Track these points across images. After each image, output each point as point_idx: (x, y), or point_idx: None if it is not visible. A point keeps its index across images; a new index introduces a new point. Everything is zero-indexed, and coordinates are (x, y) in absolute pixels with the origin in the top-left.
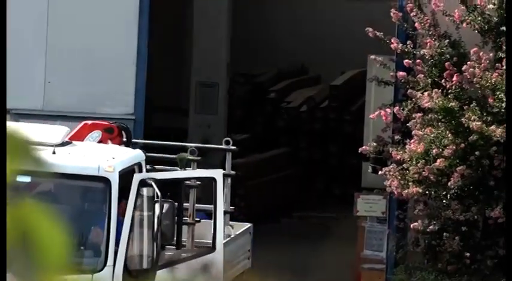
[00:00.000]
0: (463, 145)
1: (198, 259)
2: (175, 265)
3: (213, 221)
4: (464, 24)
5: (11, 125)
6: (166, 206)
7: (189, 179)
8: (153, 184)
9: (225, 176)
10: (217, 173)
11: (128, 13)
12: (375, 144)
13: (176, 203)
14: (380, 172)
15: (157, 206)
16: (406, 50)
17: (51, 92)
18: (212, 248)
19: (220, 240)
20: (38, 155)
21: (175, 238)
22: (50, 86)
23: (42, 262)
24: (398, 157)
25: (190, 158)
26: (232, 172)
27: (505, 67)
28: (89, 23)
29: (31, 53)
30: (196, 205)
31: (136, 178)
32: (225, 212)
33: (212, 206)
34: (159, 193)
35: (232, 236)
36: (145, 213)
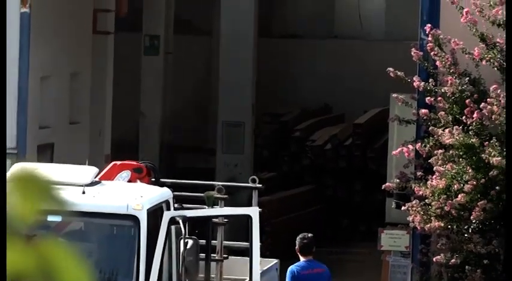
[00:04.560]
0: (483, 180)
1: None
2: None
3: (249, 257)
4: (483, 62)
5: (33, 167)
6: (190, 242)
7: (225, 216)
8: (180, 221)
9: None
10: (253, 211)
11: None
12: (397, 180)
13: (203, 241)
14: (403, 208)
15: (182, 243)
16: (428, 87)
17: None
18: None
19: (257, 276)
20: (60, 196)
21: (200, 275)
22: None
23: None
24: (421, 193)
25: (217, 196)
26: (259, 209)
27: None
28: None
29: None
30: (224, 242)
31: (167, 215)
32: None
33: (235, 243)
34: (183, 230)
35: (260, 272)
36: (173, 250)
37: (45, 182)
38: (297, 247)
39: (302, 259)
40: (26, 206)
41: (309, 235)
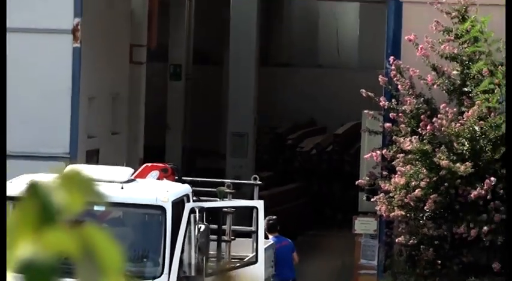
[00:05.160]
0: (435, 178)
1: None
2: (223, 273)
3: (255, 240)
4: (435, 86)
5: (81, 168)
6: (202, 227)
7: (235, 207)
8: (197, 211)
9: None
10: (259, 203)
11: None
12: (368, 178)
13: (215, 226)
14: (372, 200)
15: (196, 228)
16: (391, 106)
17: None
18: (255, 260)
19: (261, 255)
20: (100, 190)
21: (213, 252)
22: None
23: (103, 271)
24: (386, 188)
25: (227, 191)
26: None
27: (463, 118)
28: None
29: None
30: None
31: (188, 206)
32: None
33: (241, 227)
34: (197, 218)
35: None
36: (192, 234)
37: (88, 179)
38: (265, 227)
39: (270, 236)
40: (73, 198)
41: (273, 217)
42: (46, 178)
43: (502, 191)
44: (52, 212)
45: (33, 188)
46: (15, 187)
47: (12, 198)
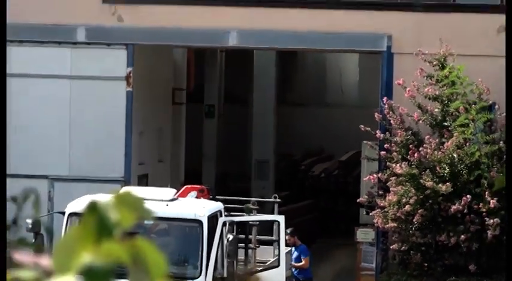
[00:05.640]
0: (421, 196)
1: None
2: (250, 275)
3: (277, 247)
4: (420, 121)
5: (133, 189)
6: (231, 237)
7: (260, 221)
8: (227, 223)
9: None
10: (280, 218)
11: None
12: (367, 197)
13: (243, 236)
14: (370, 214)
15: (227, 238)
16: (386, 137)
17: (74, 161)
18: (278, 264)
19: (283, 259)
20: (148, 207)
21: (241, 258)
22: (73, 156)
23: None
24: (382, 204)
25: (252, 207)
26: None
27: (444, 147)
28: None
29: (57, 130)
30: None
31: (220, 220)
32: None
33: (261, 237)
34: (228, 229)
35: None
36: (224, 242)
37: (139, 198)
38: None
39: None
40: (126, 214)
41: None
42: (104, 197)
43: (476, 206)
44: (109, 226)
45: (93, 206)
46: (78, 205)
47: (76, 214)
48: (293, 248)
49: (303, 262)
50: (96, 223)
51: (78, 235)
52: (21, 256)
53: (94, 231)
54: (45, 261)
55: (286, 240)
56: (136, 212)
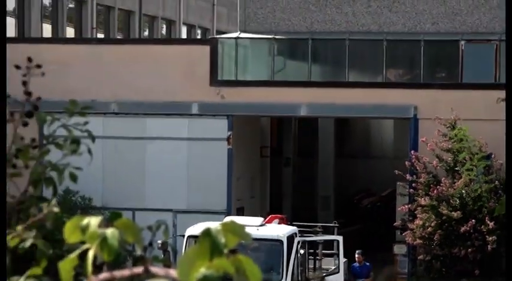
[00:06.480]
0: (439, 221)
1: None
2: (317, 279)
3: (338, 259)
4: (438, 167)
5: (234, 219)
6: (301, 252)
7: (324, 240)
8: (301, 242)
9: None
10: (339, 238)
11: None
12: (400, 221)
13: (312, 250)
14: (403, 234)
15: (300, 252)
16: (413, 179)
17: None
18: (338, 271)
19: (342, 267)
20: (246, 231)
21: (310, 267)
22: (190, 195)
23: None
24: (411, 227)
25: (319, 230)
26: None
27: (456, 186)
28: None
29: (178, 177)
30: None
31: (296, 240)
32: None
33: (326, 251)
34: (299, 246)
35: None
36: (299, 255)
37: (239, 225)
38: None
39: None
40: (230, 237)
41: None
42: (214, 225)
43: (479, 228)
44: (219, 246)
45: (207, 231)
46: (195, 229)
47: (193, 236)
48: (356, 264)
49: (372, 276)
50: (210, 243)
51: (196, 253)
52: (156, 269)
53: (208, 250)
54: (173, 272)
55: (356, 257)
56: (237, 236)
